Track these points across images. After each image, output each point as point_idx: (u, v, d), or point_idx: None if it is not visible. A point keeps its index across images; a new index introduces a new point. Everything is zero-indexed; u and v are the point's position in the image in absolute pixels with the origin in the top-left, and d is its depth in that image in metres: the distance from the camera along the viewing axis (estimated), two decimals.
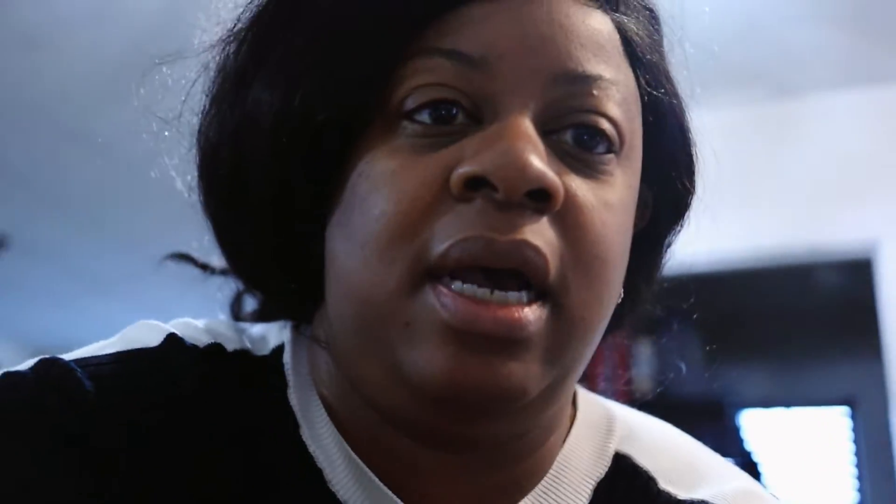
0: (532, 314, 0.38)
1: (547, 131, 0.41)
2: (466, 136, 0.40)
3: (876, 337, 2.39)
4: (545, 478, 0.46)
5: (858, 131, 2.46)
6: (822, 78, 2.44)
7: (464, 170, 0.38)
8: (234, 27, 0.45)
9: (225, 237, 0.49)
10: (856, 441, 3.55)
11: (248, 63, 0.44)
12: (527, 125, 0.39)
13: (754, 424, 3.59)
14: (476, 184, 0.38)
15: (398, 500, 0.43)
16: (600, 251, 0.40)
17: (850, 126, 2.47)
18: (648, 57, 0.46)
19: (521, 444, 0.44)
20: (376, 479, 0.43)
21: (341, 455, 0.44)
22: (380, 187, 0.39)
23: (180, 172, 0.55)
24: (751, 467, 3.21)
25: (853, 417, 3.58)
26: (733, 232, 2.51)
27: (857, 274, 2.51)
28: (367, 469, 0.43)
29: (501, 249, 0.38)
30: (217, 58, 0.47)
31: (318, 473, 0.43)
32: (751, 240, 2.48)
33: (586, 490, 0.47)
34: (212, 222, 0.49)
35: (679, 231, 0.53)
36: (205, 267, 0.54)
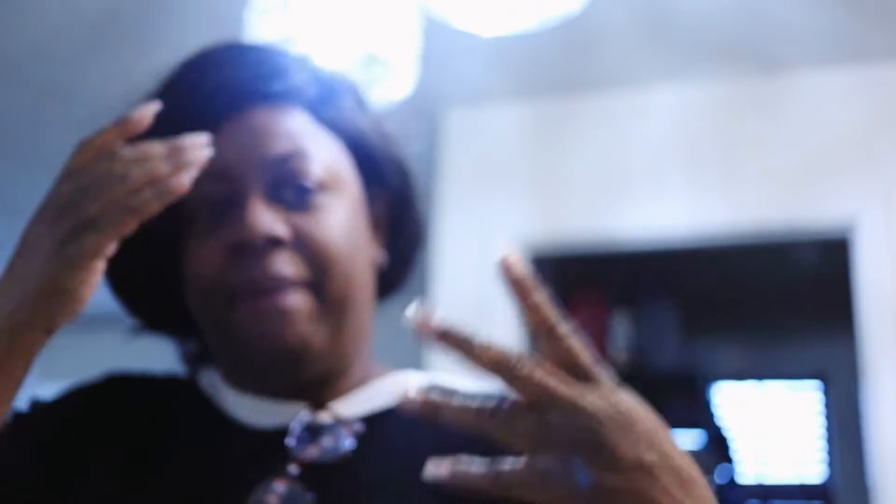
0: (294, 300, 0.66)
1: (276, 196, 0.67)
2: (228, 216, 0.67)
3: (849, 314, 2.42)
4: (370, 383, 0.73)
5: (841, 109, 2.47)
6: (807, 54, 2.44)
7: (226, 242, 0.66)
8: None
9: (129, 296, 0.77)
10: (827, 415, 3.60)
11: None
12: (255, 202, 0.66)
13: (727, 397, 3.64)
14: (237, 247, 0.65)
15: (278, 402, 0.70)
16: (327, 255, 0.67)
17: (832, 104, 2.48)
18: (341, 122, 0.73)
19: (332, 369, 0.70)
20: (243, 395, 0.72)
21: (231, 397, 0.72)
22: (193, 258, 0.69)
23: None
24: (721, 440, 3.25)
25: (825, 392, 3.63)
26: (711, 207, 2.52)
27: (833, 252, 2.53)
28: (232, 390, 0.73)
29: (261, 280, 0.65)
30: None
31: (213, 405, 0.72)
32: (728, 215, 2.49)
33: (396, 395, 0.66)
34: (117, 287, 0.75)
35: (409, 205, 0.79)
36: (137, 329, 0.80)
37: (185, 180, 0.61)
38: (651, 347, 3.15)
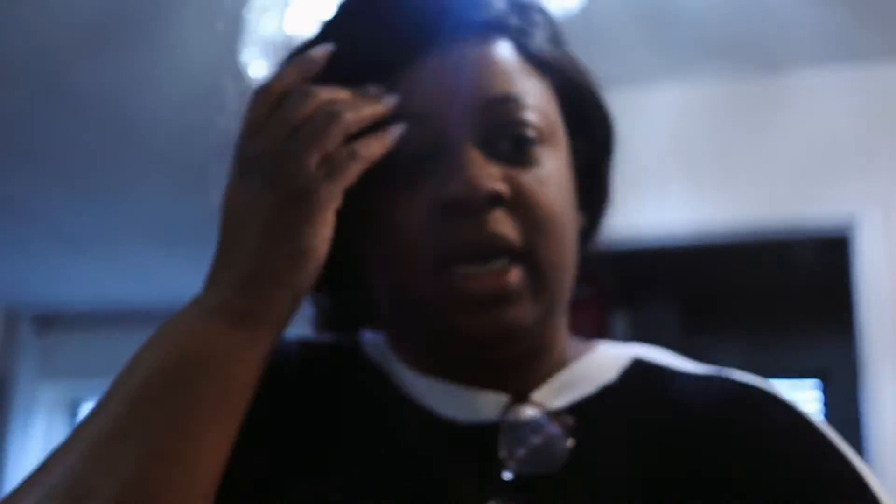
0: (513, 277, 0.57)
1: (491, 145, 0.58)
2: (437, 169, 0.57)
3: (849, 313, 2.42)
4: (577, 363, 0.64)
5: (841, 108, 2.47)
6: (807, 54, 2.44)
7: (439, 201, 0.57)
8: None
9: None
10: (826, 413, 3.60)
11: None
12: (470, 152, 0.57)
13: None
14: (450, 206, 0.56)
15: (470, 389, 0.61)
16: (546, 215, 0.58)
17: (832, 103, 2.48)
18: (549, 59, 0.63)
19: (537, 350, 0.62)
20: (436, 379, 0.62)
21: (411, 379, 0.63)
22: (394, 217, 0.58)
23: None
24: None
25: (824, 391, 3.63)
26: (711, 206, 2.52)
27: (833, 250, 2.53)
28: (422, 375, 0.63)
29: (479, 245, 0.56)
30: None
31: (391, 385, 0.63)
32: (728, 214, 2.48)
33: (612, 374, 0.64)
34: None
35: (612, 160, 0.69)
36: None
37: (399, 128, 0.56)
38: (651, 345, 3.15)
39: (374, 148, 0.56)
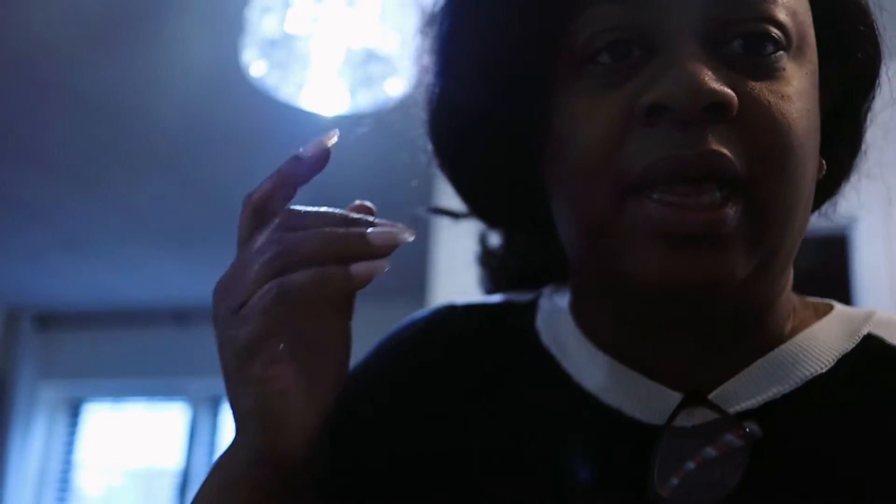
0: (729, 212, 0.44)
1: (716, 44, 0.45)
2: (643, 68, 0.46)
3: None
4: (783, 346, 0.50)
5: None
6: None
7: (644, 100, 0.44)
8: (436, 10, 0.54)
9: (466, 185, 0.58)
10: None
11: (456, 35, 0.53)
12: (692, 49, 0.45)
13: None
14: (657, 109, 0.44)
15: (642, 376, 0.50)
16: (782, 141, 0.45)
17: None
18: None
19: (742, 319, 0.50)
20: (615, 361, 0.51)
21: (583, 352, 0.53)
22: (579, 124, 0.47)
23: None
24: None
25: None
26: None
27: (832, 250, 2.53)
28: (601, 354, 0.52)
29: (690, 162, 0.43)
30: (427, 38, 0.56)
31: (556, 369, 0.54)
32: None
33: (827, 360, 0.50)
34: (454, 176, 0.58)
35: (873, 97, 0.57)
36: (453, 214, 0.62)
37: (364, 274, 0.45)
38: None
39: (306, 287, 0.44)
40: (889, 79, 0.56)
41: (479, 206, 0.59)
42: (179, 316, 4.30)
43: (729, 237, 0.44)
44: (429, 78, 0.55)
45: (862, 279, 2.35)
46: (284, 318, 0.45)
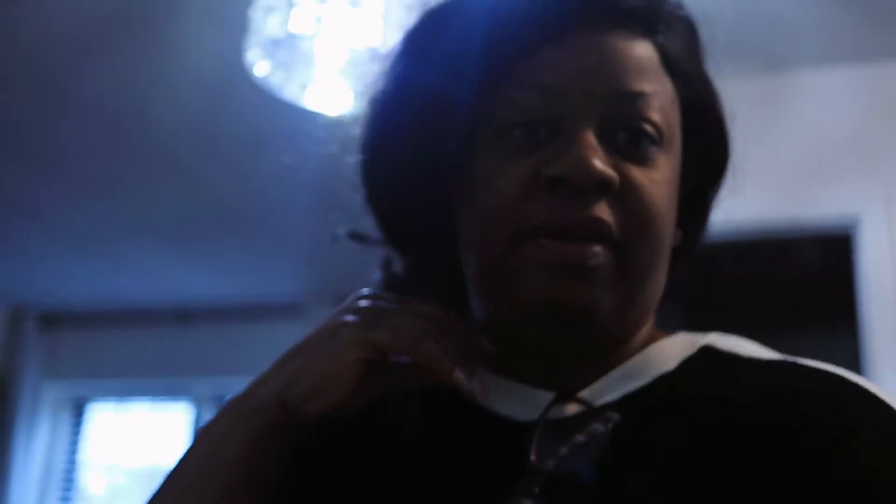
0: (602, 254, 0.56)
1: (607, 134, 0.58)
2: (548, 145, 0.58)
3: (851, 311, 2.42)
4: (638, 355, 0.63)
5: (843, 107, 2.47)
6: (810, 53, 2.44)
7: (548, 172, 0.56)
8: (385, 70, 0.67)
9: (389, 218, 0.68)
10: None
11: (397, 96, 0.65)
12: (589, 136, 0.57)
13: None
14: (557, 180, 0.56)
15: (522, 385, 0.62)
16: (649, 215, 0.58)
17: (836, 102, 2.48)
18: (683, 66, 0.64)
19: (605, 345, 0.62)
20: (499, 376, 0.63)
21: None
22: (493, 181, 0.59)
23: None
24: None
25: None
26: (715, 203, 2.52)
27: (836, 249, 2.53)
28: (491, 373, 0.63)
29: (578, 223, 0.56)
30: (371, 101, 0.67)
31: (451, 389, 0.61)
32: (730, 213, 2.48)
33: (673, 362, 0.62)
34: (378, 208, 0.68)
35: (720, 187, 0.71)
36: (365, 239, 0.72)
37: (461, 380, 0.57)
38: None
39: (424, 353, 0.57)
40: None
41: (397, 236, 0.69)
42: (183, 316, 4.30)
43: (597, 275, 0.56)
44: (367, 125, 0.66)
45: (866, 278, 2.35)
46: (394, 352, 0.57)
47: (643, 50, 0.61)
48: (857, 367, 2.42)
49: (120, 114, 2.71)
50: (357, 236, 0.71)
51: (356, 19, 1.70)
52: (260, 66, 1.79)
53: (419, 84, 0.63)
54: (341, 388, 0.56)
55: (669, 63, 0.62)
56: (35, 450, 4.50)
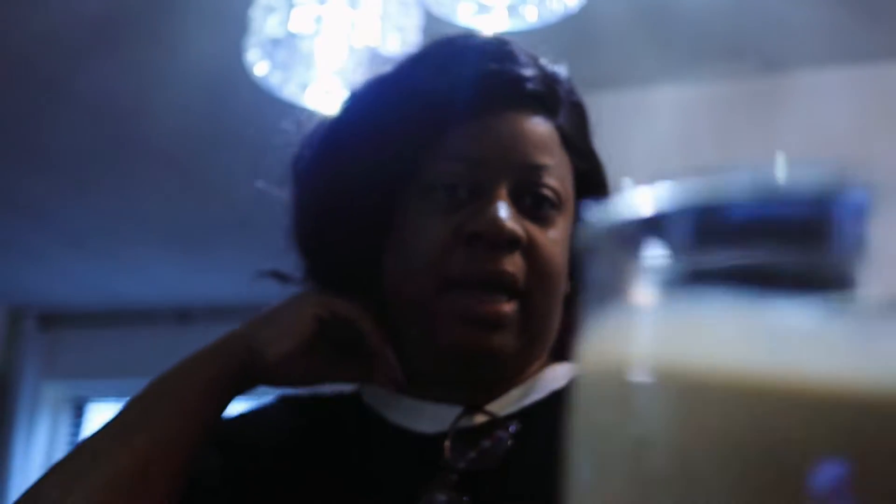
0: (509, 308, 0.67)
1: (517, 198, 0.69)
2: (468, 204, 0.68)
3: None
4: (538, 374, 0.75)
5: (843, 109, 2.47)
6: (808, 54, 2.44)
7: (468, 229, 0.67)
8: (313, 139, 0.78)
9: (319, 259, 0.77)
10: None
11: (331, 161, 0.75)
12: (504, 199, 0.68)
13: None
14: (475, 236, 0.67)
15: (435, 403, 0.72)
16: (549, 269, 0.69)
17: (835, 103, 2.48)
18: (576, 142, 0.76)
19: (509, 375, 0.73)
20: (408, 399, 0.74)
21: (391, 400, 0.74)
22: (419, 233, 0.69)
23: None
24: None
25: None
26: None
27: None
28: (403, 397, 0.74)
29: (492, 274, 0.67)
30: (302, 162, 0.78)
31: (376, 417, 0.75)
32: None
33: (566, 379, 0.72)
34: (308, 248, 0.77)
35: None
36: (283, 278, 0.80)
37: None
38: None
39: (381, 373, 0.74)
40: None
41: (324, 276, 0.77)
42: (182, 315, 4.30)
43: (507, 326, 0.67)
44: (303, 175, 0.76)
45: (864, 278, 2.35)
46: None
47: (545, 128, 0.72)
48: None
49: (119, 114, 2.71)
50: (278, 276, 0.79)
51: (356, 19, 1.71)
52: (260, 66, 1.79)
53: (356, 140, 0.74)
54: (298, 336, 0.67)
55: (566, 140, 0.74)
56: (34, 449, 4.50)
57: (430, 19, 1.92)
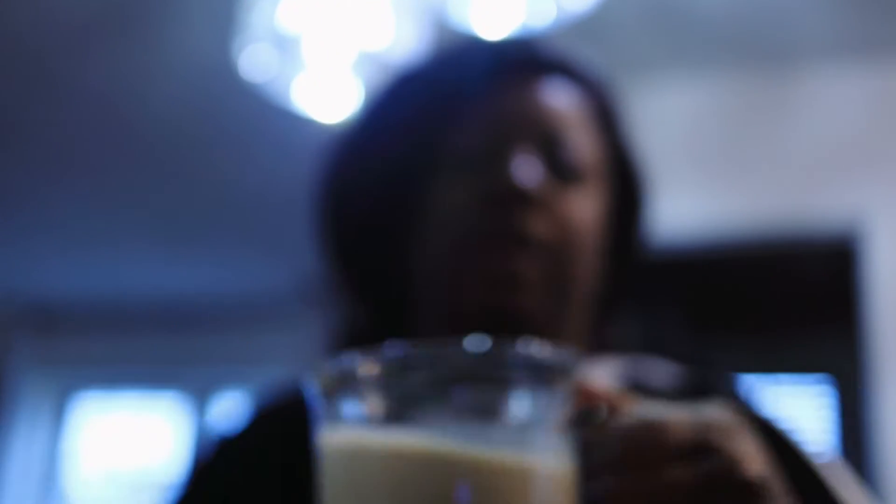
0: (529, 266, 0.65)
1: (540, 157, 0.68)
2: (491, 168, 0.67)
3: (856, 314, 2.40)
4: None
5: (850, 105, 2.44)
6: (819, 51, 2.42)
7: (483, 189, 0.67)
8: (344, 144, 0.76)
9: (347, 264, 0.76)
10: (834, 416, 3.59)
11: (358, 160, 0.75)
12: (520, 156, 0.67)
13: None
14: (490, 194, 0.67)
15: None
16: (572, 225, 0.67)
17: (842, 99, 2.45)
18: (605, 120, 0.74)
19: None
20: None
21: None
22: (442, 203, 0.68)
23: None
24: None
25: (832, 393, 3.62)
26: (722, 202, 2.49)
27: (842, 251, 2.51)
28: None
29: (509, 231, 0.65)
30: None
31: None
32: (736, 216, 2.46)
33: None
34: (336, 257, 0.76)
35: (636, 225, 0.79)
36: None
37: None
38: (658, 351, 3.13)
39: None
40: None
41: (356, 279, 0.76)
42: (176, 312, 4.29)
43: (528, 285, 0.65)
44: (332, 177, 0.75)
45: (871, 281, 2.33)
46: None
47: (566, 99, 0.72)
48: (862, 371, 2.40)
49: (115, 112, 2.70)
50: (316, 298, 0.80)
51: (352, 20, 1.69)
52: (251, 65, 1.78)
53: (378, 135, 0.74)
54: None
55: (594, 116, 0.73)
56: (27, 444, 4.50)
57: (433, 20, 1.89)
